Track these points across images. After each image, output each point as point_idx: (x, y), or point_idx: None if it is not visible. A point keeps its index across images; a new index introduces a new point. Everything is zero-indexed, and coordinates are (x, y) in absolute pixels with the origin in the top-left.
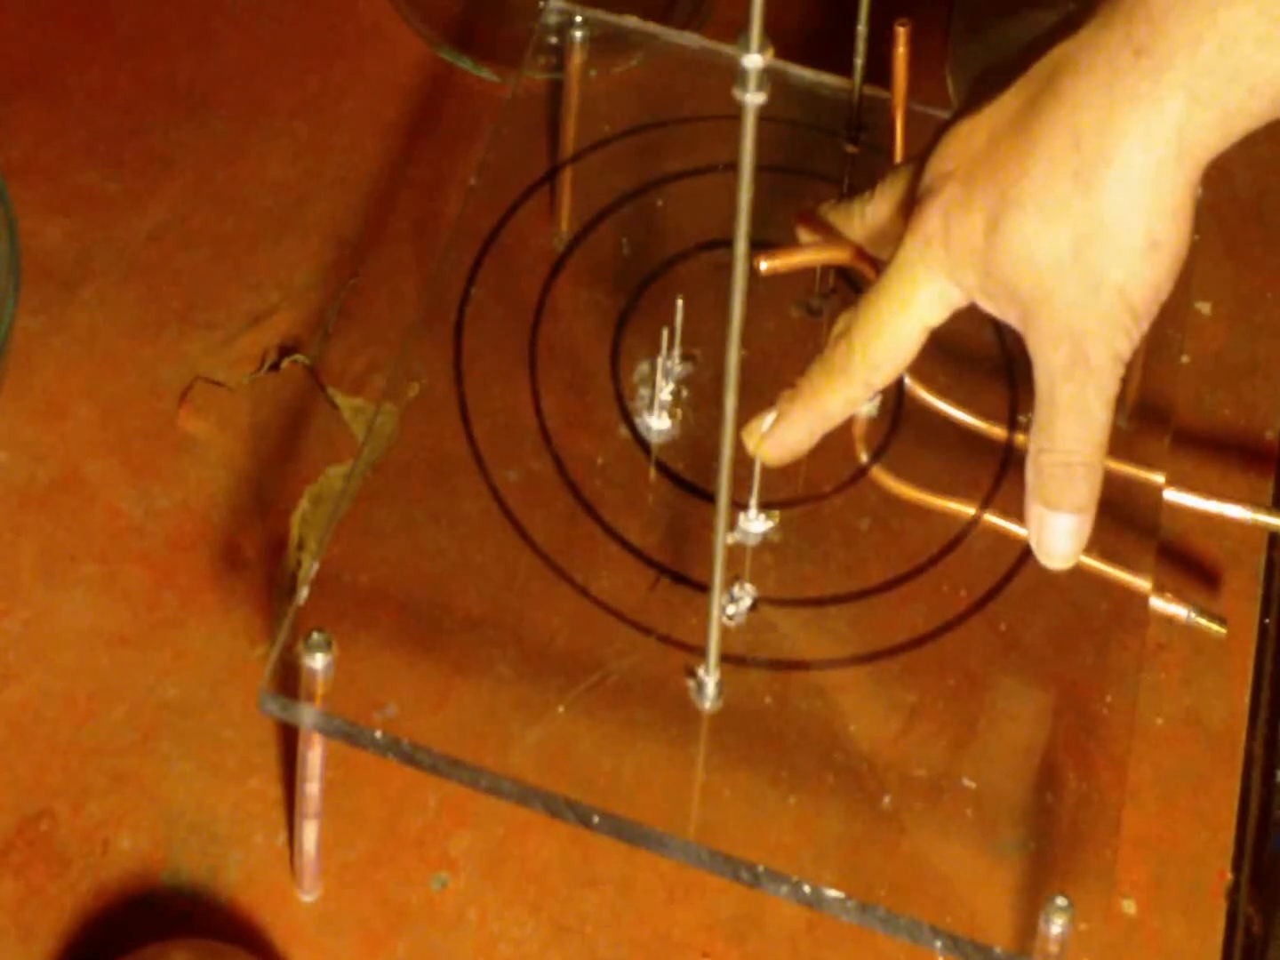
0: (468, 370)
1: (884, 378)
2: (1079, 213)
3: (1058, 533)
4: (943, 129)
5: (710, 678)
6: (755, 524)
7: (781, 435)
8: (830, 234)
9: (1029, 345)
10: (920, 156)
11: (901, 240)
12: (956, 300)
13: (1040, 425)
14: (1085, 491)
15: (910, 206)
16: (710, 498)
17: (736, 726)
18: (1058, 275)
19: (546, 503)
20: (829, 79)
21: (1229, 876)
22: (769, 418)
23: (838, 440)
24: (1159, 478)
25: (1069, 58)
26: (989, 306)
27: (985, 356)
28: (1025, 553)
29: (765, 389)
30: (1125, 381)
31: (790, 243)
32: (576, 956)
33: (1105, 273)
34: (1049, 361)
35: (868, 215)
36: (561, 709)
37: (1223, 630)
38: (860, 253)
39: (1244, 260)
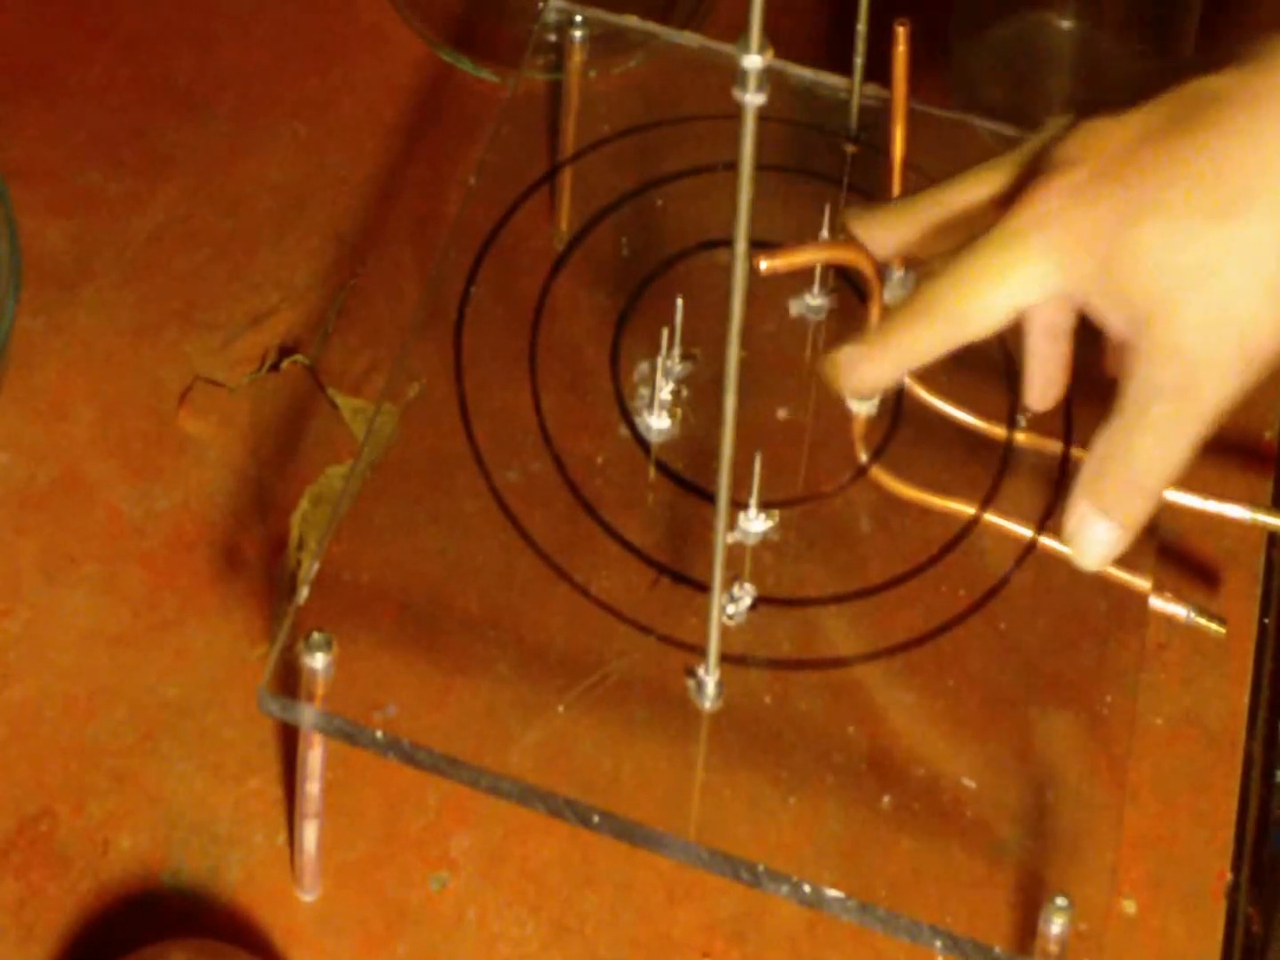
0: (468, 370)
1: (966, 337)
2: (1214, 240)
3: (1100, 539)
4: (1073, 124)
5: (710, 677)
6: (755, 524)
7: (861, 371)
8: (878, 230)
9: (1133, 352)
10: (1028, 150)
11: (1010, 212)
12: (1055, 286)
13: (1116, 433)
14: (1141, 513)
15: (1011, 196)
16: (710, 497)
17: (736, 726)
18: (1185, 294)
19: (546, 503)
20: (829, 79)
21: (1229, 876)
22: (847, 349)
23: (838, 440)
24: None
25: (1226, 89)
26: (1094, 301)
27: (985, 356)
28: (1025, 553)
29: (765, 389)
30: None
31: (790, 242)
32: (576, 956)
33: (1228, 307)
34: (1152, 376)
35: (947, 201)
36: (561, 709)
37: (1222, 630)
38: (861, 252)
39: None
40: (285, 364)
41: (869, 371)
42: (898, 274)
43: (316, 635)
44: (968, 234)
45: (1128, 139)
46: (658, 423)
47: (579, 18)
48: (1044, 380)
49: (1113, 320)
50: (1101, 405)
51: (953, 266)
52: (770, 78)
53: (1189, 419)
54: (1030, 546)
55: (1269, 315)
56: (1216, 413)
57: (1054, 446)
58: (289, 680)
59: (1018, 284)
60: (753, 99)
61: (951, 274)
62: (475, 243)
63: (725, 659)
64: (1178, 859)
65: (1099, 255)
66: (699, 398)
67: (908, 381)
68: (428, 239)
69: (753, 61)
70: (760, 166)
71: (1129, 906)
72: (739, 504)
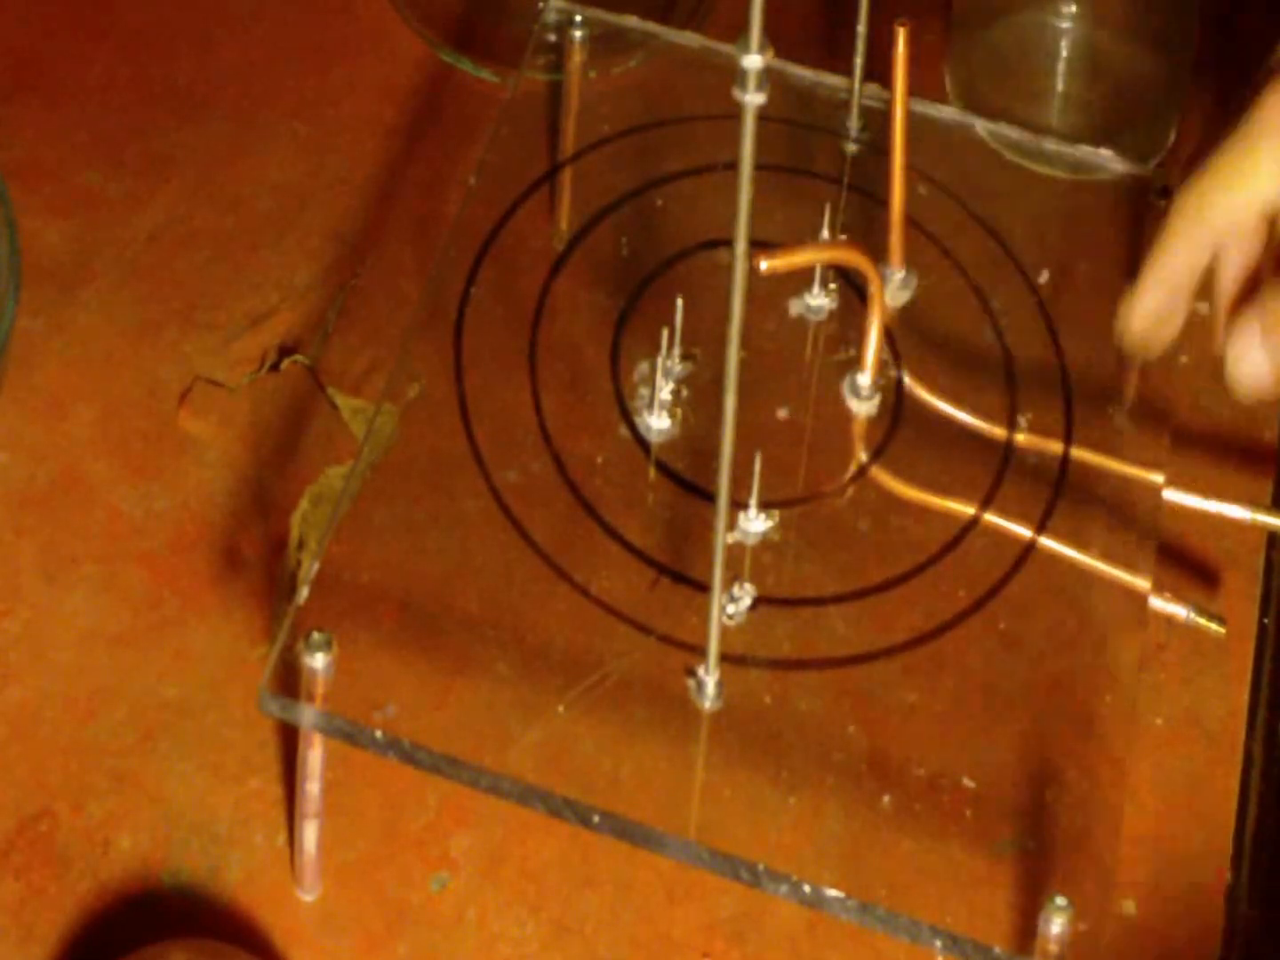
0: (468, 370)
1: (1215, 239)
2: None
3: (1255, 367)
4: None
5: (710, 677)
6: (755, 524)
7: (1140, 306)
8: None
9: None
10: None
11: (1244, 120)
12: None
13: None
14: None
15: None
16: (710, 497)
17: (736, 726)
18: None
19: (546, 503)
20: (829, 79)
21: (1229, 876)
22: (1123, 302)
23: (838, 440)
24: (1159, 478)
25: None
26: None
27: (985, 356)
28: (1025, 553)
29: (765, 389)
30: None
31: (790, 242)
32: (576, 956)
33: None
34: None
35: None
36: (561, 709)
37: (1222, 630)
38: (861, 252)
39: None
40: (285, 364)
41: (1148, 304)
42: (898, 274)
43: (316, 635)
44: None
45: None
46: (658, 423)
47: (579, 18)
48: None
49: None
50: (1103, 408)
51: (1191, 179)
52: (770, 78)
53: None
54: (1030, 546)
55: None
56: None
57: (1054, 446)
58: (289, 680)
59: (1256, 181)
60: (753, 99)
61: (1191, 185)
62: (475, 243)
63: (725, 659)
64: (1178, 859)
65: None
66: (699, 398)
67: (908, 382)
68: (428, 239)
69: (753, 61)
70: (760, 166)
71: (1129, 906)
72: (739, 504)
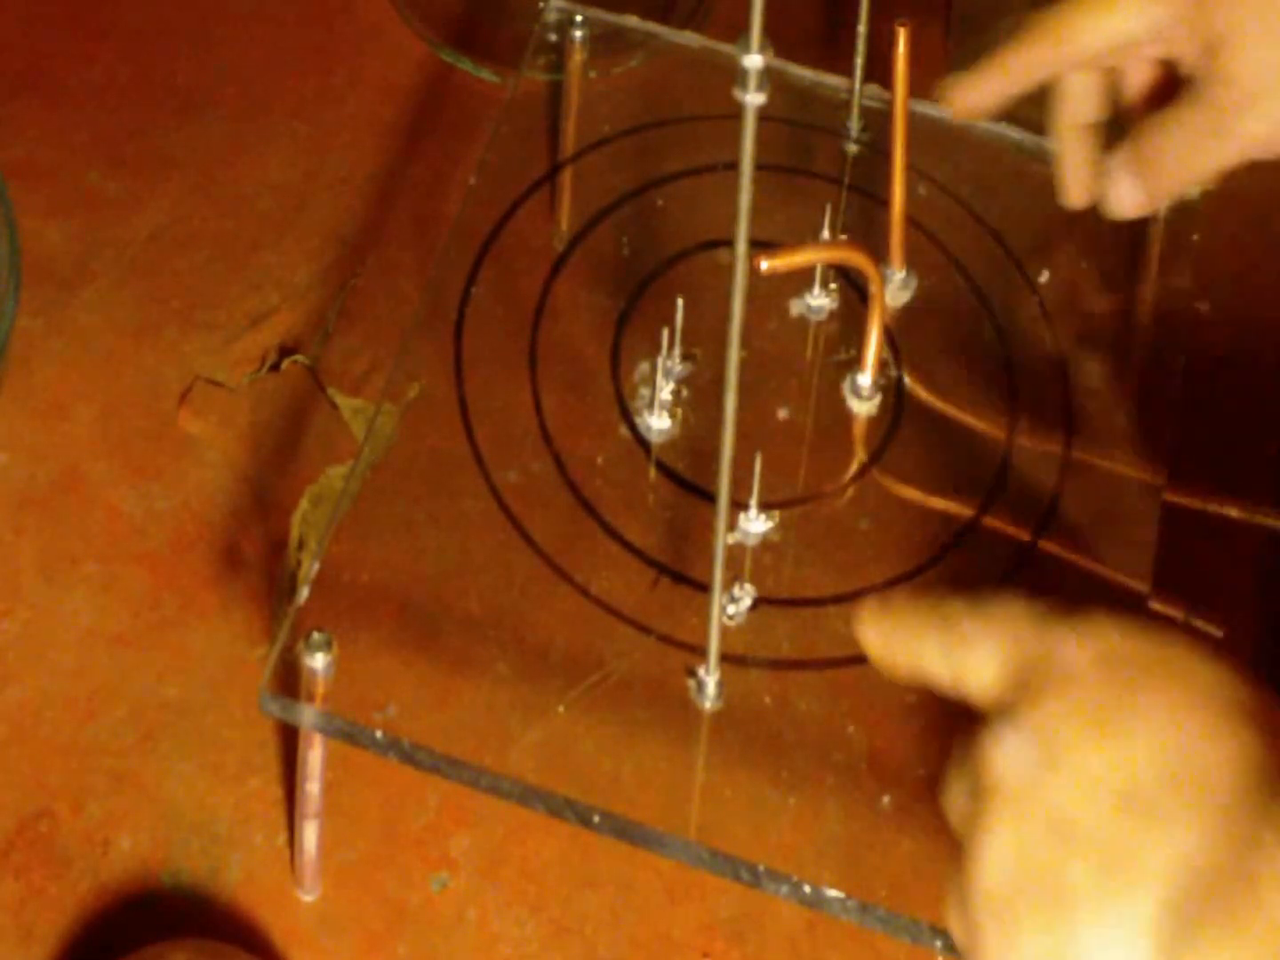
0: (468, 370)
1: (1069, 57)
2: None
3: (1123, 194)
4: None
5: (710, 677)
6: (755, 524)
7: (969, 88)
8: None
9: (1198, 78)
10: None
11: None
12: (1158, 24)
13: (1164, 119)
14: (1156, 190)
15: None
16: (710, 497)
17: (736, 726)
18: (1254, 25)
19: (546, 503)
20: (829, 79)
21: None
22: (966, 72)
23: (838, 440)
24: (1159, 478)
25: None
26: (1178, 31)
27: (985, 356)
28: (1025, 553)
29: (765, 389)
30: (1126, 381)
31: (790, 242)
32: (576, 957)
33: None
34: (1205, 94)
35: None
36: (561, 709)
37: (1219, 634)
38: (861, 252)
39: (1244, 260)
40: (285, 364)
41: (981, 86)
42: (898, 274)
43: (316, 635)
44: None
45: None
46: (658, 423)
47: (579, 18)
48: (1077, 172)
49: (1188, 50)
50: (1103, 408)
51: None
52: (770, 78)
53: (1224, 135)
54: (1030, 546)
55: None
56: (1248, 141)
57: (1054, 446)
58: (289, 680)
59: (1125, 14)
60: (753, 99)
61: (1068, 2)
62: (475, 243)
63: (725, 659)
64: None
65: None
66: (699, 398)
67: (908, 382)
68: (428, 239)
69: (753, 61)
70: (760, 166)
71: None
72: (739, 504)
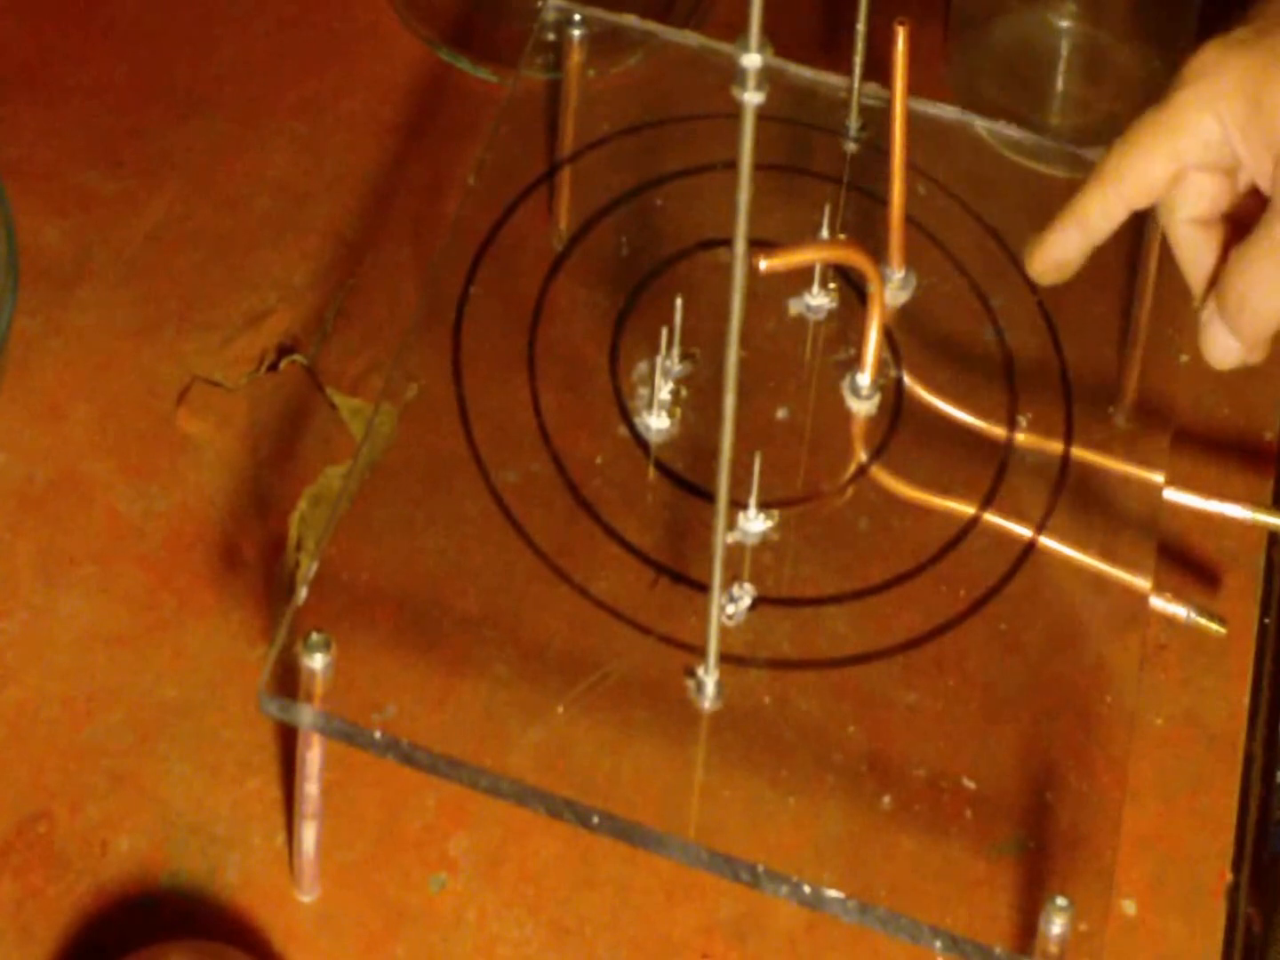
0: (466, 370)
1: (1131, 193)
2: None
3: (1221, 344)
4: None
5: (710, 678)
6: (755, 524)
7: (1050, 248)
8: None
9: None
10: None
11: (1170, 84)
12: (1213, 137)
13: (1247, 250)
14: (1255, 333)
15: None
16: (710, 497)
17: (736, 726)
18: None
19: (546, 503)
20: (829, 79)
21: (1229, 876)
22: (1041, 232)
23: (838, 440)
24: (1159, 478)
25: None
26: (1245, 147)
27: (985, 356)
28: (1025, 553)
29: (765, 389)
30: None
31: (790, 242)
32: (576, 957)
33: None
34: None
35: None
36: (561, 709)
37: (1223, 630)
38: (860, 252)
39: None
40: (284, 364)
41: (1056, 250)
42: (897, 274)
43: (315, 636)
44: None
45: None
46: (657, 422)
47: (578, 17)
48: (1202, 275)
49: (1261, 163)
50: (1103, 408)
51: (1125, 132)
52: (770, 77)
53: None
54: (1030, 547)
55: None
56: None
57: (1054, 446)
58: (288, 681)
59: (1174, 135)
60: (752, 98)
61: (1119, 140)
62: (474, 242)
63: (725, 659)
64: (1178, 859)
65: (1251, 96)
66: (698, 398)
67: (908, 382)
68: (426, 238)
69: (752, 60)
70: (760, 166)
71: (1129, 906)
72: (739, 504)
